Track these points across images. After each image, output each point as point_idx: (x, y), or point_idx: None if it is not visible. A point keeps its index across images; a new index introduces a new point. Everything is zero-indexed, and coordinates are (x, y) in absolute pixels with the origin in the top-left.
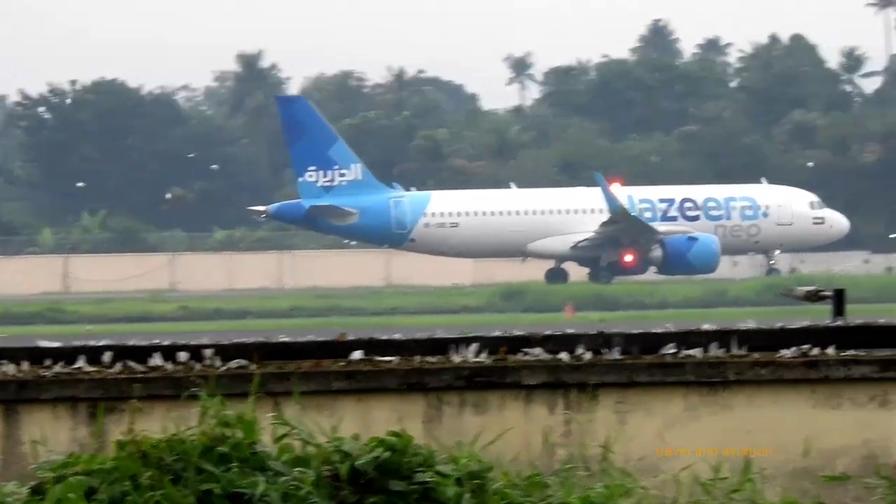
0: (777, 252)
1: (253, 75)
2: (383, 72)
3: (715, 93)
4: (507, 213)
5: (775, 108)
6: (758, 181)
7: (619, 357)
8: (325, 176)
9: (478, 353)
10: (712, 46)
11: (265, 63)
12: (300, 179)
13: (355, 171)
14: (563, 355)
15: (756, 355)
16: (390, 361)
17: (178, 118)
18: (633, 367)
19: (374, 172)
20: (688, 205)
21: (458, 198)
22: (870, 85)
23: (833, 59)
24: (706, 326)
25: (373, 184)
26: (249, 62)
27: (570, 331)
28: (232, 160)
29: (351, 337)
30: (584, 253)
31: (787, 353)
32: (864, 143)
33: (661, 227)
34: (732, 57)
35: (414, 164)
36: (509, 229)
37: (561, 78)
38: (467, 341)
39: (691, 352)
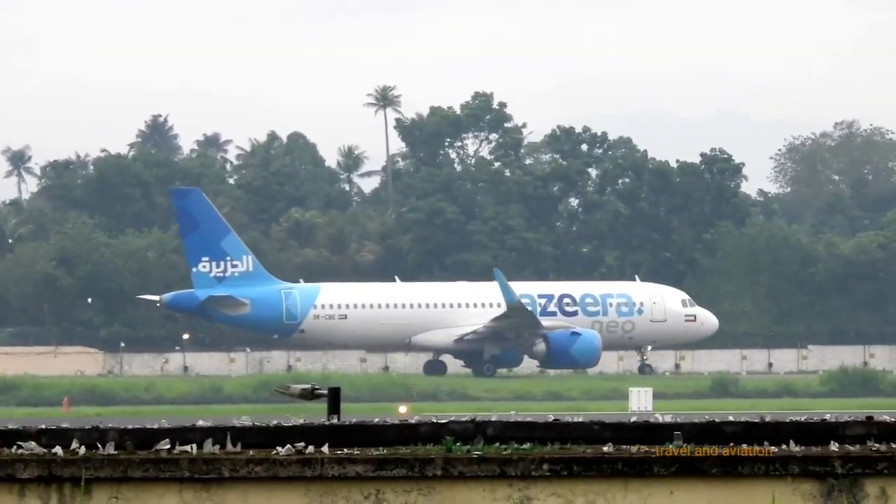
0: (650, 348)
1: None
2: None
3: (214, 189)
4: (392, 305)
5: (274, 206)
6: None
7: (113, 452)
8: (217, 266)
9: None
10: (211, 142)
11: None
12: (193, 270)
13: (246, 262)
14: (58, 449)
15: (251, 452)
16: None
17: None
18: (128, 462)
19: None
20: (566, 300)
21: (347, 290)
22: (368, 184)
23: (332, 158)
24: (201, 423)
25: (263, 275)
26: None
27: (65, 425)
28: None
29: None
30: (468, 346)
31: (282, 450)
32: (362, 241)
33: (545, 321)
34: (231, 154)
35: None
36: (394, 322)
37: (59, 171)
38: None
39: (186, 448)
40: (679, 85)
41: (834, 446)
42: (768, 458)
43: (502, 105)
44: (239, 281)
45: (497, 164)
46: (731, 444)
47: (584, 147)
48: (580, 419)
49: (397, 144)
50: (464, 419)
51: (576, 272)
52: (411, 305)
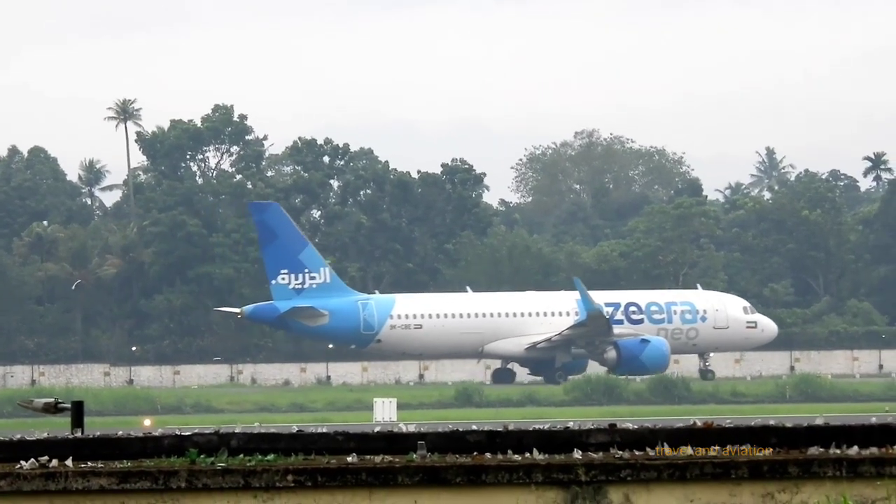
0: (711, 354)
1: None
2: None
3: None
4: (466, 315)
5: (16, 220)
6: None
7: None
8: (296, 279)
9: None
10: None
11: None
12: (273, 282)
13: (324, 274)
14: None
15: None
16: None
17: None
18: None
19: None
20: (632, 309)
21: (422, 300)
22: (110, 198)
23: (73, 172)
24: None
25: (340, 287)
26: None
27: None
28: None
29: None
30: (538, 354)
31: (25, 464)
32: (104, 255)
33: (614, 329)
34: None
35: None
36: (468, 331)
37: None
38: None
39: None
40: (420, 96)
41: (577, 454)
42: (512, 466)
43: (243, 117)
44: (317, 292)
45: (238, 177)
46: (475, 453)
47: (326, 159)
48: (324, 430)
49: (139, 158)
50: (207, 431)
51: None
52: (484, 315)
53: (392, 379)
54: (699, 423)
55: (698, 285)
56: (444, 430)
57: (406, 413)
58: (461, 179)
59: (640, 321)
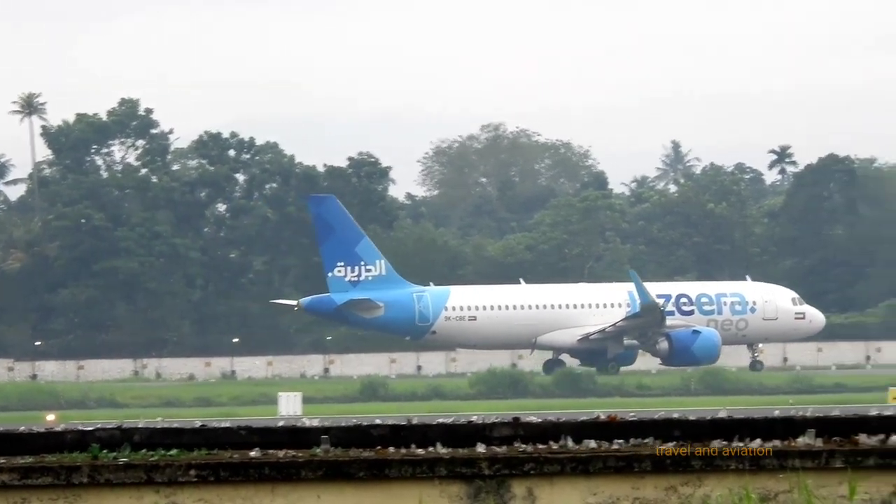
0: (761, 345)
1: None
2: None
3: None
4: (520, 307)
5: None
6: None
7: None
8: (352, 271)
9: None
10: None
11: None
12: (329, 275)
13: (380, 266)
14: None
15: None
16: None
17: None
18: None
19: None
20: (683, 300)
21: (476, 292)
22: (14, 192)
23: None
24: None
25: (395, 279)
26: None
27: None
28: None
29: None
30: (591, 345)
31: None
32: (8, 249)
33: (667, 320)
34: None
35: None
36: (522, 322)
37: None
38: None
39: None
40: (327, 89)
41: (481, 448)
42: (415, 460)
43: (148, 111)
44: (372, 285)
45: (144, 171)
46: (379, 447)
47: (232, 152)
48: (227, 424)
49: (44, 152)
50: (110, 426)
51: (224, 278)
52: (537, 306)
53: (297, 373)
54: (603, 417)
55: (747, 276)
56: (347, 424)
57: (312, 407)
58: (367, 173)
59: (691, 312)
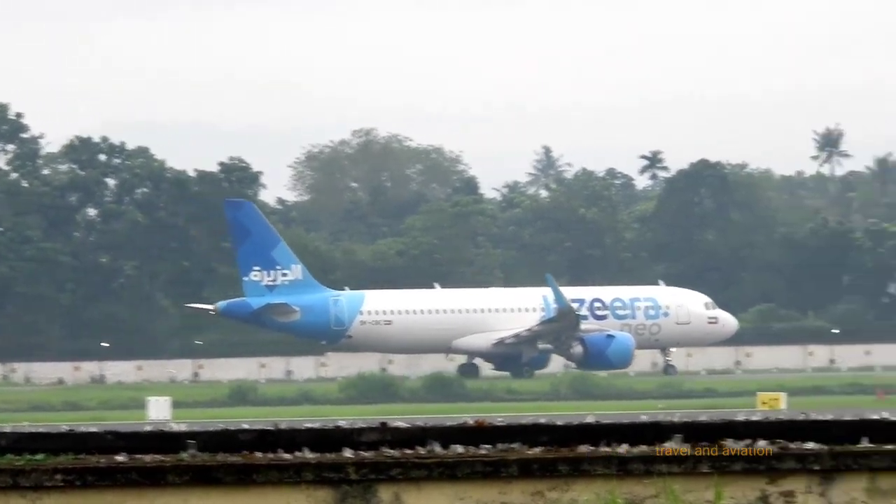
0: (674, 350)
1: None
2: None
3: None
4: (434, 311)
5: None
6: None
7: None
8: (268, 276)
9: None
10: None
11: None
12: (245, 279)
13: (296, 271)
14: None
15: None
16: None
17: None
18: None
19: None
20: (597, 304)
21: (391, 297)
22: None
23: None
24: None
25: (312, 283)
26: None
27: None
28: None
29: None
30: (506, 350)
31: None
32: None
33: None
34: None
35: None
36: (437, 327)
37: None
38: None
39: None
40: (200, 93)
41: (348, 452)
42: (282, 465)
43: (19, 115)
44: (289, 289)
45: (14, 175)
46: (246, 451)
47: (103, 157)
48: (94, 429)
49: None
50: None
51: (95, 282)
52: (452, 311)
53: (167, 377)
54: (471, 422)
55: (660, 281)
56: (215, 429)
57: (181, 411)
58: (238, 178)
59: (605, 317)
